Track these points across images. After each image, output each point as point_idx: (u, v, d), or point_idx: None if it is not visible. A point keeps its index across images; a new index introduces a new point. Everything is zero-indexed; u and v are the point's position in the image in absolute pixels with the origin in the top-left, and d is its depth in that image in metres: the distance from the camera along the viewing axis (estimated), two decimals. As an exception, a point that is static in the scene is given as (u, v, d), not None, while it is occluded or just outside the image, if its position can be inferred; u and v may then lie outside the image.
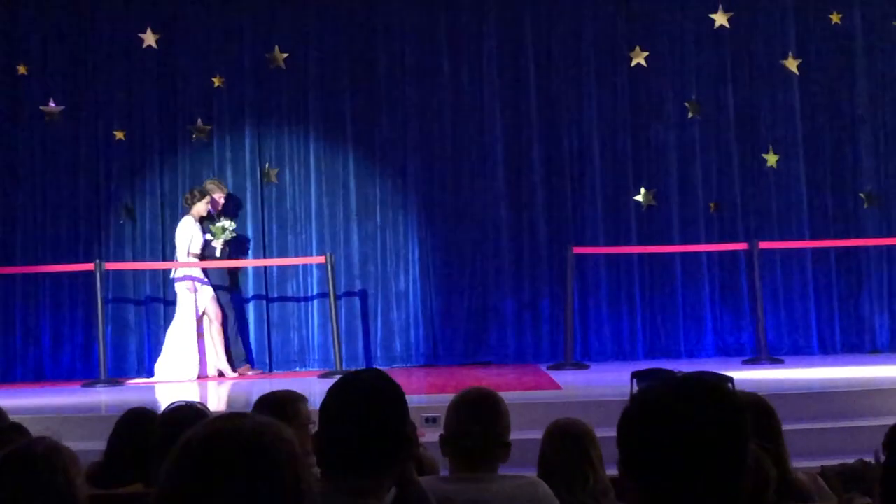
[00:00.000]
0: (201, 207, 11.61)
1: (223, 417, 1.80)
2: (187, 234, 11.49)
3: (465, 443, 3.62)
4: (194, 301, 11.37)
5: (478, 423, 3.63)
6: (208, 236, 11.61)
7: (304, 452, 1.83)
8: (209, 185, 11.81)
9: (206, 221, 11.72)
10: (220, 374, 11.42)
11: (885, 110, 12.24)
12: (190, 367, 11.26)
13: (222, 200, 11.87)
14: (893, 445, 3.27)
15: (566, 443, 4.14)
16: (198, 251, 11.53)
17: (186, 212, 11.63)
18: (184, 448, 1.73)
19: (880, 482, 3.17)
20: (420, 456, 4.40)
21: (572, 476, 4.04)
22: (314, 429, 4.49)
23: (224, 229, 11.65)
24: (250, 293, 12.18)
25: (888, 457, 3.16)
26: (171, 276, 11.67)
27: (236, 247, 12.06)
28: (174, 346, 11.35)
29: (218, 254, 11.64)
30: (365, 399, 2.79)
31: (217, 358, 11.48)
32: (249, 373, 11.72)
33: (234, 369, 11.56)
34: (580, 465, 4.08)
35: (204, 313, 11.48)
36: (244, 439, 1.72)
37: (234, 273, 12.05)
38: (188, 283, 11.40)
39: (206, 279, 11.53)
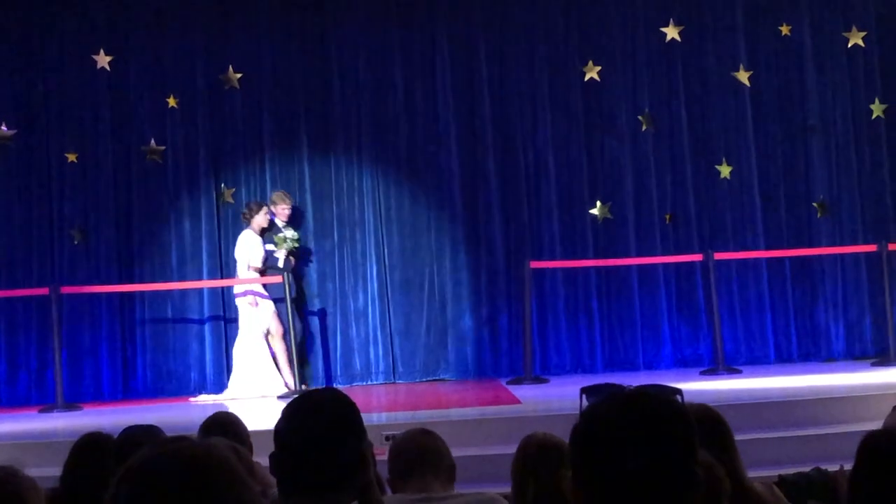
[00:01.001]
0: (261, 219, 11.48)
1: (165, 441, 1.79)
2: (246, 248, 11.39)
3: (410, 485, 3.69)
4: (258, 315, 11.31)
5: (420, 467, 3.71)
6: (269, 247, 11.48)
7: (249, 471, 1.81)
8: (274, 196, 11.69)
9: (267, 233, 11.57)
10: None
11: (836, 120, 12.36)
12: (272, 382, 11.15)
13: (287, 211, 11.69)
14: (866, 452, 3.28)
15: (543, 457, 4.13)
16: (259, 264, 11.39)
17: (246, 226, 11.54)
18: (123, 475, 1.72)
19: (848, 488, 3.19)
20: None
21: (547, 491, 4.04)
22: None
23: (286, 239, 11.48)
24: (206, 314, 12.11)
25: (858, 463, 3.18)
26: (233, 291, 11.57)
27: (301, 257, 11.98)
28: (247, 363, 11.22)
29: (280, 264, 11.46)
30: (318, 419, 2.78)
31: (282, 374, 11.30)
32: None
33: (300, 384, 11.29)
34: (555, 480, 4.06)
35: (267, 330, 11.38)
36: (182, 464, 1.70)
37: (297, 285, 11.86)
38: (249, 298, 11.30)
39: (265, 294, 11.39)
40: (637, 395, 1.92)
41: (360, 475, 2.81)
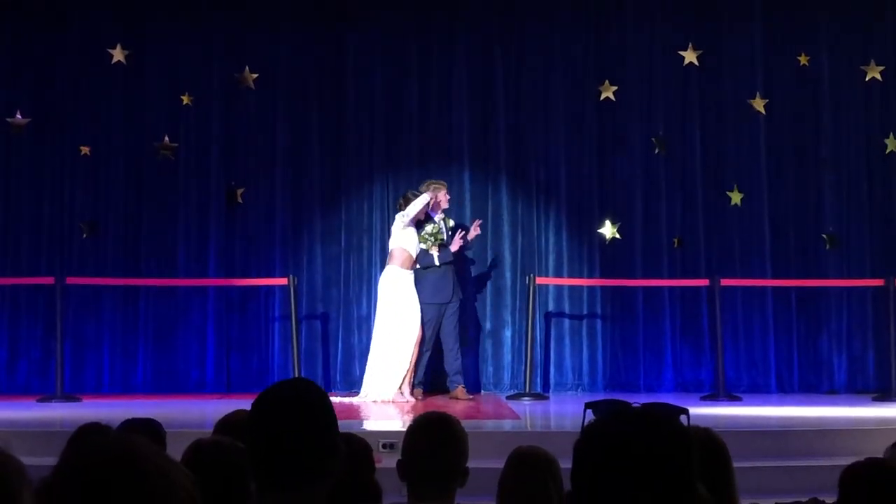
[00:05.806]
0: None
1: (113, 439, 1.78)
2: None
3: (423, 467, 3.57)
4: (390, 315, 10.84)
5: (435, 447, 3.59)
6: (422, 245, 11.05)
7: None
8: (433, 184, 11.15)
9: (424, 225, 11.11)
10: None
11: (850, 153, 12.35)
12: (374, 386, 10.76)
13: (444, 198, 11.20)
14: (848, 484, 3.31)
15: (528, 470, 4.11)
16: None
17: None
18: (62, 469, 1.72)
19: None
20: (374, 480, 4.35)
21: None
22: None
23: (431, 234, 11.02)
24: (210, 313, 12.09)
25: (842, 496, 3.19)
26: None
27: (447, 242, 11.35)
28: (377, 364, 10.86)
29: (437, 262, 11.04)
30: (290, 407, 2.76)
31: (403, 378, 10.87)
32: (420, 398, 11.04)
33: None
34: (541, 494, 4.04)
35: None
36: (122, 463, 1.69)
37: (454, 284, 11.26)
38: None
39: (411, 291, 10.89)
40: (642, 414, 1.90)
41: (334, 463, 2.78)
